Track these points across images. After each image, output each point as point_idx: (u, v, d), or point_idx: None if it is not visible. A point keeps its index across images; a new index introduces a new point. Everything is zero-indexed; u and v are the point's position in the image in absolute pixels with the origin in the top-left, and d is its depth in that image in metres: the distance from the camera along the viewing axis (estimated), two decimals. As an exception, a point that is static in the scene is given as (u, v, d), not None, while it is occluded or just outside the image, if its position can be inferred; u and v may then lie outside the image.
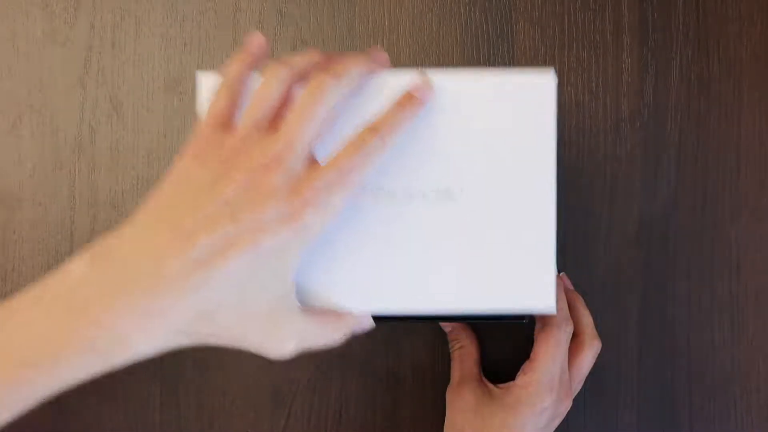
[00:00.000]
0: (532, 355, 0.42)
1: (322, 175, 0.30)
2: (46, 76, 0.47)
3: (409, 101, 0.33)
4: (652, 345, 0.48)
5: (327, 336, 0.34)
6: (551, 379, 0.40)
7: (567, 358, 0.42)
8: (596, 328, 0.45)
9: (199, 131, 0.32)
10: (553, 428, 0.42)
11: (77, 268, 0.30)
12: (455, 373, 0.45)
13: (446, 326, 0.46)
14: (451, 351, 0.46)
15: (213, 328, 0.30)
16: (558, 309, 0.42)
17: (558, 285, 0.43)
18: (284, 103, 0.32)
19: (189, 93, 0.47)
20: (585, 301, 0.46)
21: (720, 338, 0.48)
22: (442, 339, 0.47)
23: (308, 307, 0.34)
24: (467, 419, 0.42)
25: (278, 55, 0.47)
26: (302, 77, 0.32)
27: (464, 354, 0.45)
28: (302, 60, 0.33)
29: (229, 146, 0.31)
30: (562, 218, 0.48)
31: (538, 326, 0.43)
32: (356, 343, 0.47)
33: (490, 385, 0.43)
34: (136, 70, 0.48)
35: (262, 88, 0.32)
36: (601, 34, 0.48)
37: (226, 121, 0.32)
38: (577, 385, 0.43)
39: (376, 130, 0.32)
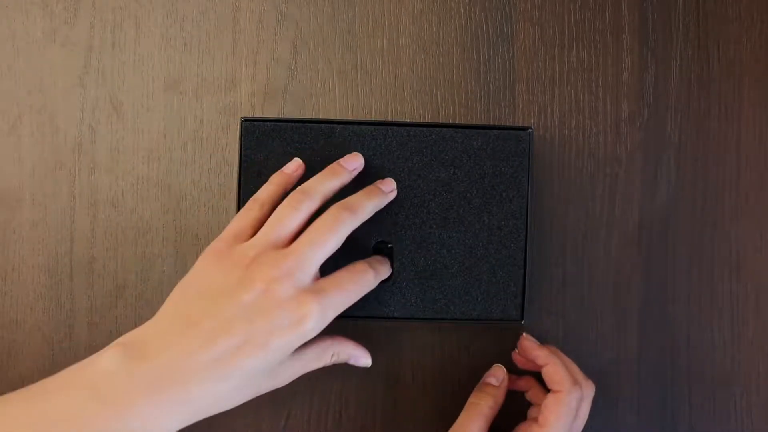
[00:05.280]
0: (541, 420, 0.41)
1: (326, 292, 0.36)
2: (46, 76, 0.47)
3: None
4: (652, 345, 0.48)
5: (321, 360, 0.39)
6: None
7: (580, 425, 0.42)
8: (596, 328, 0.45)
9: (221, 238, 0.38)
10: None
11: (110, 361, 0.34)
12: (471, 429, 0.41)
13: (495, 378, 0.44)
14: (476, 401, 0.43)
15: (226, 407, 0.36)
16: (558, 378, 0.41)
17: (548, 355, 0.42)
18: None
19: (189, 93, 0.48)
20: (585, 302, 0.47)
21: (720, 338, 0.48)
22: (442, 339, 0.47)
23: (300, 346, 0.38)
24: None
25: (278, 56, 0.48)
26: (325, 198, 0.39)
27: (489, 415, 0.42)
28: (325, 189, 0.39)
29: (246, 257, 0.36)
30: (563, 218, 0.48)
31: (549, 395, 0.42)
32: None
33: None
34: (136, 70, 0.48)
35: (283, 213, 0.38)
36: (601, 34, 0.48)
37: (246, 236, 0.38)
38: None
39: (370, 263, 0.39)
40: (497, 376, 0.44)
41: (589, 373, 0.44)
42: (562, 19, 0.48)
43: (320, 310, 0.35)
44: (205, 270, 0.37)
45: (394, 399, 0.47)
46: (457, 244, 0.42)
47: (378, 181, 0.42)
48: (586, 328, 0.47)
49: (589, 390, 0.42)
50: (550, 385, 0.42)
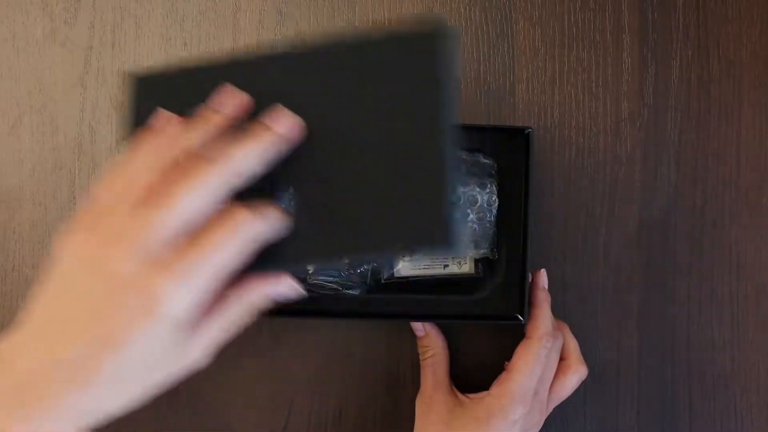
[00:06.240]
0: (509, 365, 0.42)
1: (181, 257, 0.28)
2: (46, 76, 0.47)
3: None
4: (652, 345, 0.48)
5: (228, 320, 0.31)
6: (525, 392, 0.41)
7: (550, 375, 0.42)
8: (596, 328, 0.45)
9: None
10: None
11: None
12: (427, 382, 0.44)
13: (418, 330, 0.46)
14: (421, 358, 0.45)
15: (128, 405, 0.30)
16: (539, 324, 0.42)
17: (545, 300, 0.43)
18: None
19: (189, 93, 0.48)
20: (585, 302, 0.47)
21: (720, 338, 0.48)
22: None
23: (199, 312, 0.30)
24: (438, 431, 0.42)
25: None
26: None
27: (436, 362, 0.45)
28: (193, 139, 0.30)
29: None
30: (563, 218, 0.48)
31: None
32: (356, 343, 0.47)
33: (461, 396, 0.43)
34: (136, 70, 0.48)
35: (132, 167, 0.30)
36: (601, 34, 0.48)
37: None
38: (552, 405, 0.43)
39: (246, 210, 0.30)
40: (416, 327, 0.45)
41: (589, 372, 0.44)
42: (562, 19, 0.48)
43: (176, 283, 0.27)
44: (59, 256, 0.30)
45: (394, 399, 0.47)
46: (367, 172, 0.33)
47: (263, 117, 0.31)
48: (586, 328, 0.47)
49: (579, 366, 0.43)
50: (526, 331, 0.43)
